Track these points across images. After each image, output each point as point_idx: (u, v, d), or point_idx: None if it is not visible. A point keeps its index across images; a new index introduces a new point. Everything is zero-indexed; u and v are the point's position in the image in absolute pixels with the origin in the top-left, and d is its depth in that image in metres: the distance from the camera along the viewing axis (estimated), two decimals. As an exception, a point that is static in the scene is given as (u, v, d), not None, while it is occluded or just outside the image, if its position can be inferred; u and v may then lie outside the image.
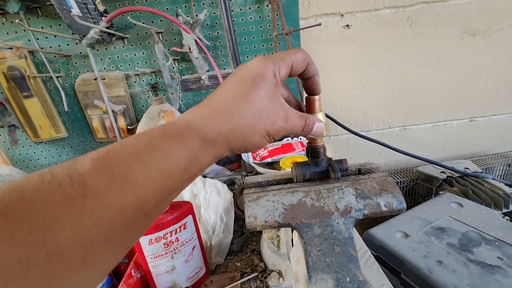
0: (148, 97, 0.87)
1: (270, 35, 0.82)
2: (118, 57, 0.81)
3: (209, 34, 0.81)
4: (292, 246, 0.40)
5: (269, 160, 0.50)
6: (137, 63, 0.82)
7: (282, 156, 0.50)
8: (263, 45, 0.84)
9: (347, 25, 0.89)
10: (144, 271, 0.40)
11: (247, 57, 0.85)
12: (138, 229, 0.18)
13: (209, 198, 0.56)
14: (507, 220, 0.61)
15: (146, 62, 0.83)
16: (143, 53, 0.82)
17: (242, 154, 0.54)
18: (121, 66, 0.82)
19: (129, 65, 0.82)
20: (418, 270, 0.48)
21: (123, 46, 0.80)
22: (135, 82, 0.85)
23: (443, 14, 0.90)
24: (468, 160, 0.98)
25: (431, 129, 1.08)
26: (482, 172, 0.86)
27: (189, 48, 0.74)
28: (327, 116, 0.99)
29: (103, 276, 0.18)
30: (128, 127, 0.85)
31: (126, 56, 0.81)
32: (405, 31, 0.91)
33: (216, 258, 0.49)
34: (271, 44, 0.84)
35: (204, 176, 0.68)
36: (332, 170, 0.29)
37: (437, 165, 0.91)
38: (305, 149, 0.32)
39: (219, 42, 0.83)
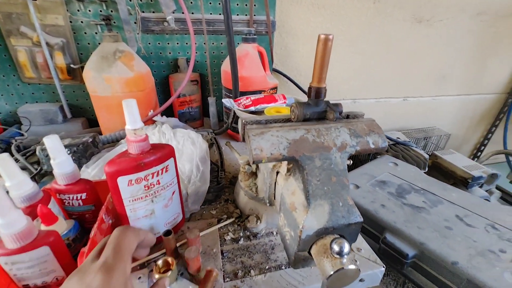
0: (96, 32, 0.73)
1: (247, -16, 0.77)
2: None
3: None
4: (275, 189, 0.43)
5: (252, 108, 0.50)
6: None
7: (265, 106, 0.50)
8: (238, -6, 0.78)
9: (321, -10, 0.89)
10: (119, 215, 0.37)
11: (219, 4, 0.78)
12: None
13: (182, 148, 0.53)
14: (427, 176, 0.77)
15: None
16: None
17: (224, 102, 0.52)
18: None
19: None
20: (367, 212, 0.57)
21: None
22: (78, 10, 0.69)
23: (401, -3, 0.98)
24: (399, 132, 1.17)
25: (375, 103, 1.22)
26: (409, 141, 1.04)
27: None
28: (294, 82, 1.00)
29: None
30: (71, 66, 0.71)
31: None
32: (369, 7, 0.97)
33: (192, 205, 0.48)
34: (246, -5, 0.78)
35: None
36: (332, 110, 0.31)
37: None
38: (307, 89, 0.32)
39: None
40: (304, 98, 1.05)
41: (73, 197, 0.38)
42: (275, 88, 0.77)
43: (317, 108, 0.32)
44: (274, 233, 0.46)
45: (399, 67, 1.15)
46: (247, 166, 0.49)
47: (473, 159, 1.62)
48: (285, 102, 0.53)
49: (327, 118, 0.32)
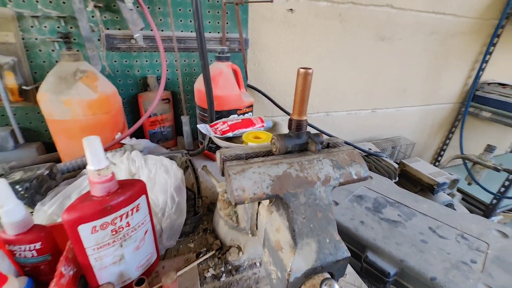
0: (53, 50, 0.66)
1: (218, 1, 0.76)
2: (3, -15, 0.57)
3: (146, -16, 0.68)
4: (257, 219, 0.41)
5: (230, 134, 0.48)
6: (37, 1, 0.61)
7: (243, 131, 0.48)
8: (209, 11, 0.76)
9: (291, 9, 0.92)
10: (81, 265, 0.32)
11: (190, 21, 0.76)
12: None
13: (155, 177, 0.49)
14: (399, 187, 0.80)
15: (50, 2, 0.62)
16: (47, -12, 0.61)
17: (200, 127, 0.49)
18: (9, 0, 0.59)
19: (23, 1, 0.60)
20: (348, 230, 0.58)
21: (12, -28, 0.57)
22: (32, 26, 0.63)
23: (365, 17, 1.04)
24: (370, 142, 1.22)
25: (346, 116, 1.27)
26: (380, 152, 1.09)
27: (121, -4, 0.60)
28: (268, 97, 1.00)
29: None
30: (23, 87, 0.63)
31: (18, -13, 0.58)
32: (336, 26, 1.01)
33: (168, 241, 0.44)
34: (218, 12, 0.77)
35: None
36: (313, 142, 0.30)
37: (350, 146, 1.09)
38: (288, 121, 0.31)
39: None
40: (279, 112, 1.05)
41: (25, 248, 0.32)
42: (251, 106, 0.76)
43: (298, 140, 0.31)
44: (258, 264, 0.44)
45: (366, 81, 1.22)
46: (226, 194, 0.47)
47: (434, 163, 1.75)
48: (263, 126, 0.52)
49: (309, 149, 0.32)
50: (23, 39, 0.62)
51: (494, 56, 1.39)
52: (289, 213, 0.28)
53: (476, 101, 1.46)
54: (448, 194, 1.10)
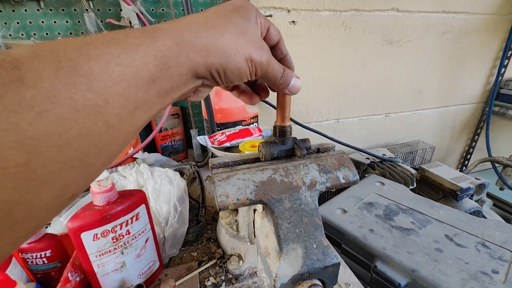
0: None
1: (221, 20, 0.80)
2: (30, 22, 0.65)
3: (153, 9, 0.74)
4: (254, 227, 0.41)
5: (227, 144, 0.49)
6: (59, 33, 0.68)
7: (240, 141, 0.49)
8: (213, 30, 0.81)
9: (293, 21, 0.94)
10: (86, 271, 0.34)
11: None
12: (99, 141, 0.15)
13: (160, 187, 0.51)
14: (413, 193, 0.77)
15: (71, 33, 0.69)
16: (67, 22, 0.68)
17: (199, 139, 0.51)
18: (34, 34, 0.66)
19: (47, 34, 0.67)
20: (355, 239, 0.56)
21: (38, 10, 0.65)
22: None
23: (370, 22, 1.04)
24: (384, 148, 1.18)
25: (357, 122, 1.25)
26: (395, 157, 1.05)
27: (130, 22, 0.65)
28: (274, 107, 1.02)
29: (59, 201, 0.14)
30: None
31: (43, 22, 0.66)
32: (340, 34, 1.02)
33: (170, 250, 0.45)
34: (221, 30, 0.81)
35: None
36: (299, 148, 0.31)
37: (363, 152, 1.06)
38: (272, 128, 0.32)
39: (164, 21, 0.76)
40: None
41: (36, 256, 0.35)
42: (256, 116, 0.78)
43: (284, 146, 0.31)
44: (258, 273, 0.44)
45: (376, 85, 1.19)
46: (226, 203, 0.48)
47: (461, 168, 1.64)
48: (261, 135, 0.53)
49: (295, 155, 0.32)
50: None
51: (517, 52, 1.30)
52: (274, 219, 0.28)
53: (501, 99, 1.37)
54: (477, 201, 1.02)
